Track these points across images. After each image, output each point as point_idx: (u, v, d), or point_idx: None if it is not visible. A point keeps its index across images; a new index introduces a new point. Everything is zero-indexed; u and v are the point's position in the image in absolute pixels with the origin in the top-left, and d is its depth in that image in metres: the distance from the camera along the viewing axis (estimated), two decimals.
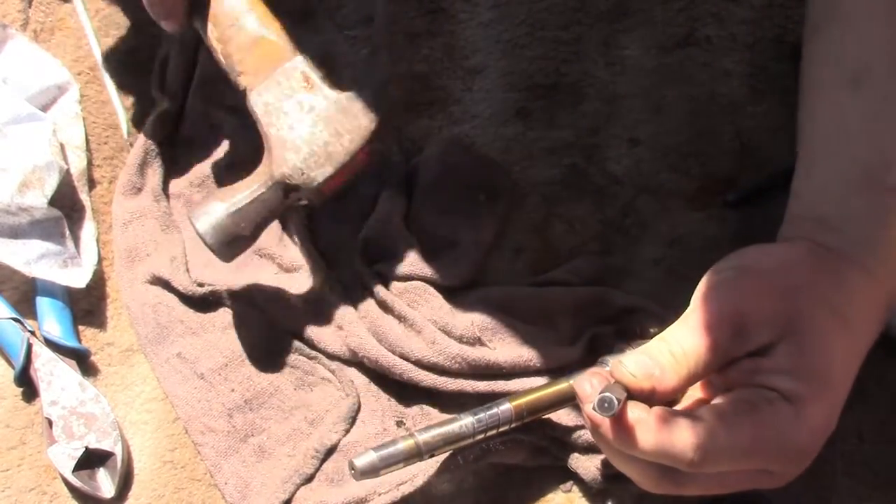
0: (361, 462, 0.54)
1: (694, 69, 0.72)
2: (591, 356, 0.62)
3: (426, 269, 0.65)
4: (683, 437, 0.50)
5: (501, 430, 0.57)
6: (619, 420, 0.51)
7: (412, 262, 0.65)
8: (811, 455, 0.53)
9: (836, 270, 0.55)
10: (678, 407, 0.55)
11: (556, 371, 0.62)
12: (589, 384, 0.53)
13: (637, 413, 0.51)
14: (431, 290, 0.65)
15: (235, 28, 0.62)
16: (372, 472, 0.54)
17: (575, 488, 0.63)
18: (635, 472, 0.54)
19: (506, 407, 0.57)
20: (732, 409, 0.52)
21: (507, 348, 0.63)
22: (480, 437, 0.57)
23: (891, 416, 0.63)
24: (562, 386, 0.58)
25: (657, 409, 0.52)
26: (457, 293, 0.66)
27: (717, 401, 0.54)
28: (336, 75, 0.70)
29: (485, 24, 0.74)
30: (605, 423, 0.51)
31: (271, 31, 0.63)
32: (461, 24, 0.74)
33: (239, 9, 0.63)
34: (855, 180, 0.57)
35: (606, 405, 0.49)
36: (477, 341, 0.63)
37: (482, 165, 0.70)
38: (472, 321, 0.64)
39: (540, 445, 0.62)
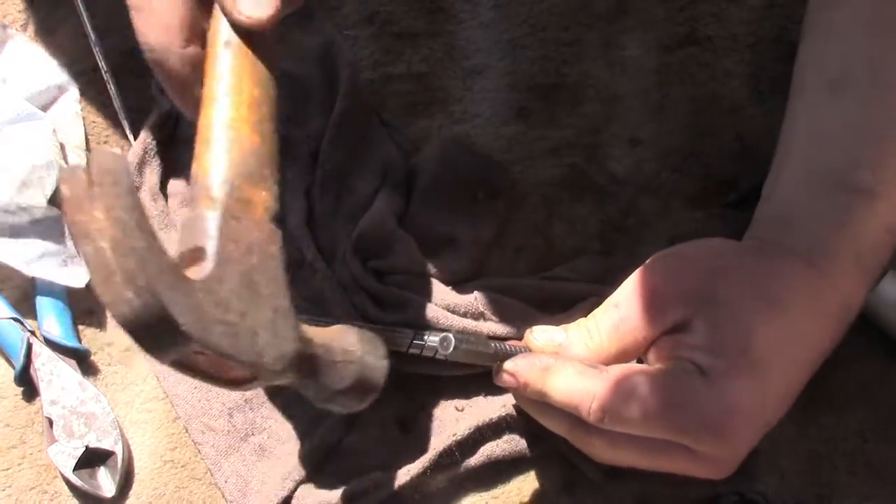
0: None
1: (694, 69, 0.72)
2: None
3: (423, 266, 0.65)
4: (587, 385, 0.52)
5: (437, 355, 0.57)
6: (529, 365, 0.54)
7: (409, 259, 0.65)
8: (733, 438, 0.51)
9: (773, 259, 0.55)
10: None
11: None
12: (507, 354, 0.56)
13: (546, 359, 0.54)
14: (430, 279, 0.65)
15: None
16: None
17: (575, 486, 0.63)
18: (547, 419, 0.56)
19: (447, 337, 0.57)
20: (642, 370, 0.53)
21: (507, 324, 0.64)
22: (415, 350, 0.59)
23: (893, 415, 0.63)
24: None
25: (567, 359, 0.54)
26: (456, 284, 0.66)
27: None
28: (335, 75, 0.70)
29: (485, 25, 0.74)
30: (517, 369, 0.55)
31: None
32: (461, 24, 0.74)
33: None
34: (820, 181, 0.57)
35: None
36: (481, 316, 0.64)
37: (480, 164, 0.70)
38: (476, 297, 0.64)
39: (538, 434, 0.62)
